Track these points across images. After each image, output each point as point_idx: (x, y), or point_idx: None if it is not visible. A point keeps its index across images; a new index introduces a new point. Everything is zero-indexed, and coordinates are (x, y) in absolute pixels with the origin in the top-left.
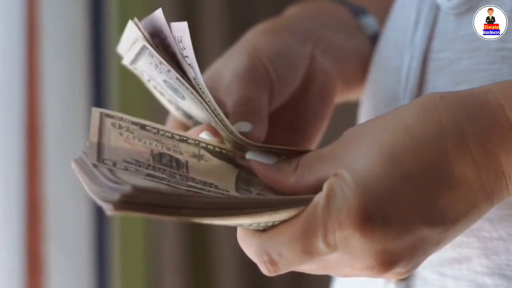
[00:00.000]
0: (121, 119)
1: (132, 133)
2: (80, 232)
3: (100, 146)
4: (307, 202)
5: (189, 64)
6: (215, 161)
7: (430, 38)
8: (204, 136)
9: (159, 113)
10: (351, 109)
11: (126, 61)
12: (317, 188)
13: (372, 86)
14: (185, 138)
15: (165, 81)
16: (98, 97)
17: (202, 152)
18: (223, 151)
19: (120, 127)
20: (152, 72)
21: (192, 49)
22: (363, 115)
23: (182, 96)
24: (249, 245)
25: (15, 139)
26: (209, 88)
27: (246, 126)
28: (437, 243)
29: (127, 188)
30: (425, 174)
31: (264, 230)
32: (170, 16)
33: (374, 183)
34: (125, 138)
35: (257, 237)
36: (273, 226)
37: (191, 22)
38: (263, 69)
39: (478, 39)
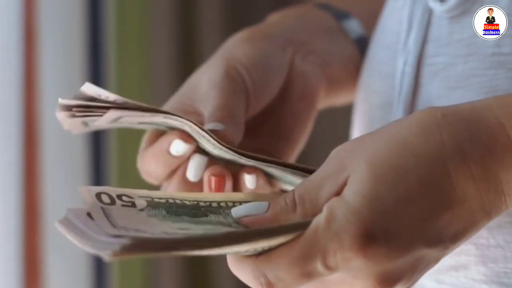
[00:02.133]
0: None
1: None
2: None
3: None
4: (305, 226)
5: (125, 102)
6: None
7: (423, 42)
8: (178, 143)
9: None
10: (345, 113)
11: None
12: None
13: (365, 90)
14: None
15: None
16: None
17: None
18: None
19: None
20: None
21: (107, 92)
22: (357, 121)
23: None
24: (243, 270)
25: (13, 142)
26: (187, 99)
27: (218, 126)
28: (436, 260)
29: (126, 241)
30: (427, 194)
31: (259, 253)
32: (168, 16)
33: (376, 203)
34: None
35: (252, 261)
36: (269, 249)
37: (189, 22)
38: (238, 77)
39: (473, 43)
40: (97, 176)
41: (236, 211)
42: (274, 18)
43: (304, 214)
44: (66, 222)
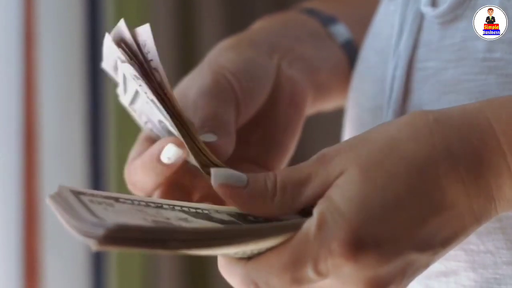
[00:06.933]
0: (93, 195)
1: (113, 206)
2: None
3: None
4: (295, 228)
5: (154, 68)
6: (199, 222)
7: (414, 47)
8: (170, 148)
9: None
10: (336, 117)
11: (124, 102)
12: (300, 210)
13: (355, 94)
14: (159, 205)
15: (160, 121)
16: (95, 99)
17: (183, 215)
18: (199, 210)
19: (98, 202)
20: (147, 110)
21: (156, 51)
22: (348, 125)
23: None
24: (233, 275)
25: (13, 142)
26: None
27: (210, 137)
28: (426, 265)
29: (110, 224)
30: (417, 199)
31: (249, 257)
32: (167, 15)
33: (366, 209)
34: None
35: (242, 265)
36: (259, 253)
37: (188, 20)
38: (227, 85)
39: (464, 48)
40: (96, 175)
41: (216, 172)
42: (259, 25)
43: (282, 204)
44: (57, 197)
